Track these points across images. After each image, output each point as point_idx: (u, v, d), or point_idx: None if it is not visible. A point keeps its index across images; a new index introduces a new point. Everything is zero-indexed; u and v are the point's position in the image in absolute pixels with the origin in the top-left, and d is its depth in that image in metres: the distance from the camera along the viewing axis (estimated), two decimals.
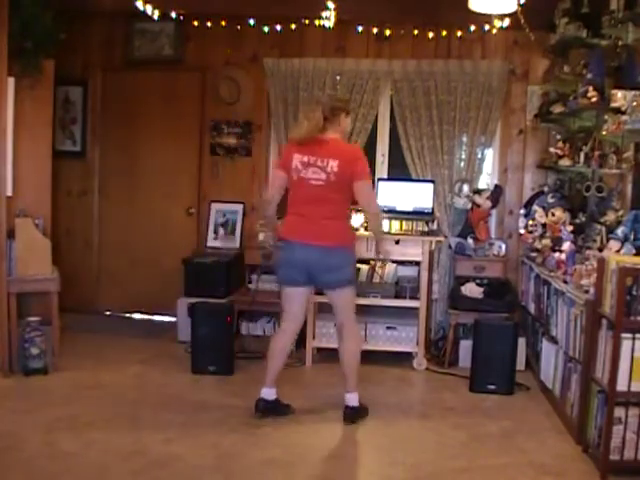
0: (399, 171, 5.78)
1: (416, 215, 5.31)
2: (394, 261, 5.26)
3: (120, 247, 6.27)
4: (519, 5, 4.19)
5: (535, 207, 5.09)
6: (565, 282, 4.09)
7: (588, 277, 3.74)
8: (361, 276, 5.29)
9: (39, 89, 4.65)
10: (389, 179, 5.66)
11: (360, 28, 5.63)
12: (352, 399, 3.92)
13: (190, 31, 5.88)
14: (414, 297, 5.02)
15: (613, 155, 4.31)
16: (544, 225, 4.93)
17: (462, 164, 5.62)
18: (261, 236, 4.05)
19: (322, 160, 3.76)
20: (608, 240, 3.98)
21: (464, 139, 5.62)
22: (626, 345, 3.20)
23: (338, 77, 5.72)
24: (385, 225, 5.24)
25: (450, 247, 5.60)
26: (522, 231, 5.17)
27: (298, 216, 3.82)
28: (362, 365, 4.95)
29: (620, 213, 4.29)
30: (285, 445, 3.58)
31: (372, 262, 5.31)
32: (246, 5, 5.40)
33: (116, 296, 6.26)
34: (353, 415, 3.90)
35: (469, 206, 5.50)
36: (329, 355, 5.14)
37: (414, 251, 5.02)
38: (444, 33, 5.57)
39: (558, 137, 5.27)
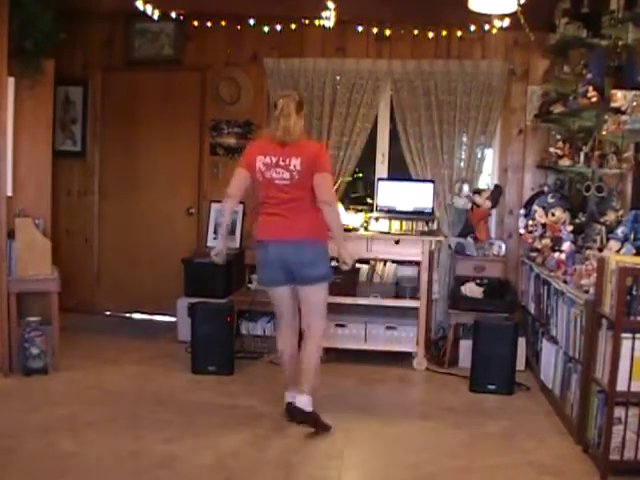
0: (399, 171, 5.78)
1: (416, 215, 5.32)
2: (394, 261, 5.27)
3: (120, 247, 6.27)
4: (519, 5, 4.19)
5: (535, 207, 5.09)
6: (565, 282, 4.09)
7: (588, 277, 3.74)
8: (361, 276, 5.30)
9: (39, 89, 4.65)
10: (389, 179, 5.66)
11: (360, 28, 5.63)
12: (305, 402, 3.73)
13: (190, 31, 5.88)
14: (414, 297, 5.02)
15: (613, 155, 4.31)
16: (544, 225, 4.93)
17: (462, 164, 5.62)
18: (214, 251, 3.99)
19: (284, 159, 3.73)
20: (608, 240, 3.98)
21: (464, 139, 5.61)
22: (626, 345, 3.20)
23: (338, 77, 5.71)
24: (385, 225, 5.26)
25: (450, 247, 5.60)
26: (522, 231, 5.17)
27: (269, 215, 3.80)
28: (362, 365, 5.00)
29: (620, 213, 4.29)
30: (285, 445, 3.58)
31: (372, 262, 5.31)
32: (246, 5, 5.40)
33: (116, 296, 6.26)
34: (302, 417, 3.72)
35: (469, 206, 5.50)
36: (329, 355, 5.15)
37: (414, 251, 5.02)
38: (444, 33, 5.57)
39: (558, 137, 5.27)
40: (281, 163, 3.72)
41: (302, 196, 3.75)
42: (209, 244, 5.94)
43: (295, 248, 3.73)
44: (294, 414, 3.76)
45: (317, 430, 3.72)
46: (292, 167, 3.71)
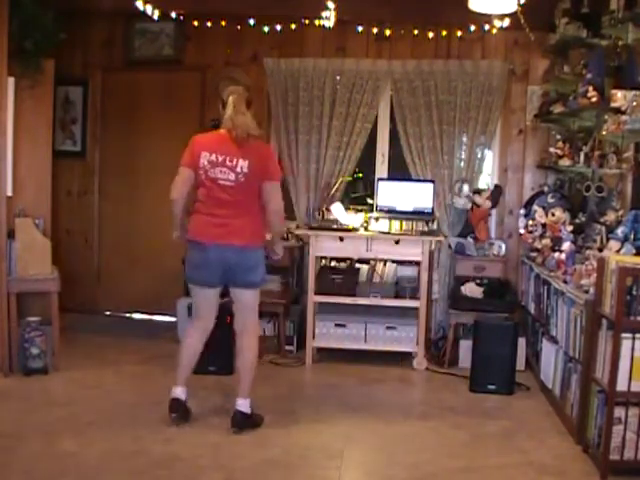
0: (399, 171, 5.78)
1: (416, 215, 5.33)
2: (394, 261, 5.28)
3: (120, 247, 6.27)
4: (519, 5, 4.19)
5: (535, 207, 5.10)
6: (565, 282, 4.09)
7: (588, 277, 3.74)
8: (361, 276, 5.30)
9: (39, 89, 4.64)
10: (389, 179, 5.67)
11: (360, 28, 5.63)
12: (245, 405, 3.70)
13: (190, 31, 5.88)
14: (414, 297, 5.02)
15: (613, 155, 4.31)
16: (544, 225, 4.93)
17: (462, 164, 5.62)
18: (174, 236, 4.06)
19: (231, 159, 3.63)
20: (608, 240, 3.98)
21: (464, 139, 5.61)
22: (626, 345, 3.20)
23: (338, 77, 5.71)
24: (385, 225, 5.26)
25: (450, 247, 5.60)
26: (522, 231, 5.17)
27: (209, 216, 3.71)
28: (362, 365, 5.00)
29: (620, 213, 4.29)
30: (285, 445, 3.58)
31: (372, 262, 5.32)
32: (246, 5, 5.40)
33: (116, 296, 6.26)
34: (244, 421, 3.69)
35: (469, 206, 5.50)
36: (329, 355, 5.15)
37: (414, 251, 5.01)
38: (444, 33, 5.57)
39: (558, 137, 5.27)
40: (227, 163, 3.62)
41: (244, 200, 3.66)
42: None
43: (237, 253, 3.64)
44: (235, 418, 3.68)
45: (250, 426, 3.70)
46: (238, 169, 3.61)
